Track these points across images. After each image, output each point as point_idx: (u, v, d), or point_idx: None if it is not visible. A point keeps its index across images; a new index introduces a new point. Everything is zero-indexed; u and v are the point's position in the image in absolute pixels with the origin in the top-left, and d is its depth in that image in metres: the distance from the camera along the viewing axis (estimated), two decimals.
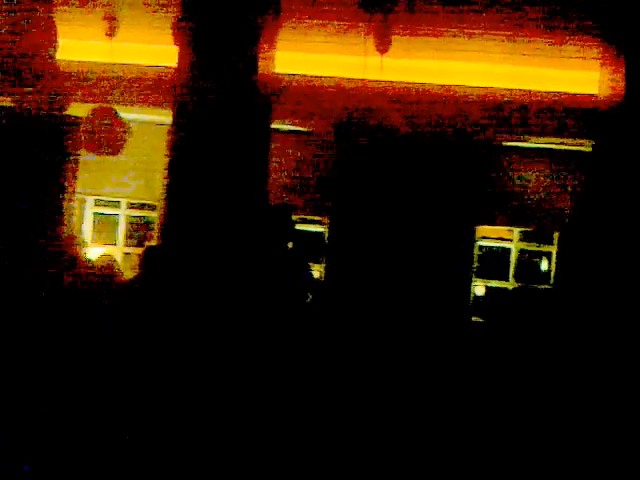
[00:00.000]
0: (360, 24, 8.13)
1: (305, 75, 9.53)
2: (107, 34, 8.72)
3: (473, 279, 10.27)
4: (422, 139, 9.74)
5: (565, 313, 6.04)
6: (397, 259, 9.67)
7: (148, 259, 6.80)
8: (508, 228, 10.67)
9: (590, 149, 7.10)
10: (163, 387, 5.78)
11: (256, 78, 6.99)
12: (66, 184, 9.98)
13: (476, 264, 10.31)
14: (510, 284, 10.51)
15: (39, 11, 7.60)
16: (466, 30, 8.29)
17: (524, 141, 10.04)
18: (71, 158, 9.95)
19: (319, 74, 9.58)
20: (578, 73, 8.90)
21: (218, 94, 6.87)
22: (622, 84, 6.51)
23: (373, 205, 9.84)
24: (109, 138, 8.49)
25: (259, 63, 7.02)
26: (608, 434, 5.51)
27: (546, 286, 10.03)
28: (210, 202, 6.85)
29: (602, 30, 6.98)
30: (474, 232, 10.26)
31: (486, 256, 10.55)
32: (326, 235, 10.44)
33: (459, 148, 9.81)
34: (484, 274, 10.46)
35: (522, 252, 10.68)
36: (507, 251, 10.69)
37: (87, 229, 11.30)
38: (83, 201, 11.12)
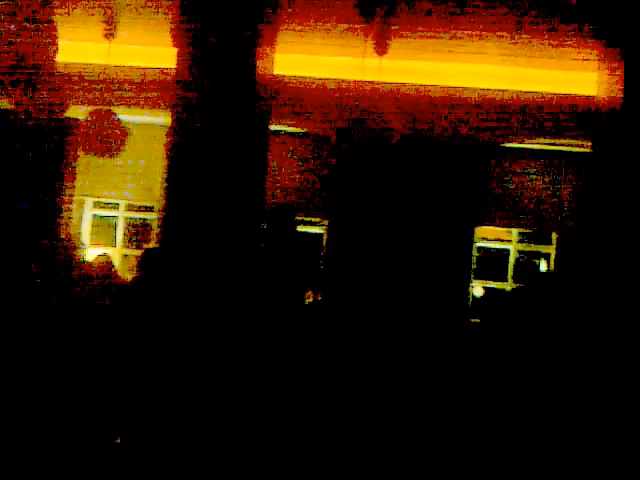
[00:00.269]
0: (359, 26, 8.14)
1: (304, 77, 9.52)
2: (106, 36, 8.72)
3: (472, 280, 10.26)
4: (421, 140, 9.74)
5: (563, 313, 6.04)
6: (396, 261, 9.66)
7: (146, 261, 6.80)
8: (507, 229, 10.68)
9: (589, 150, 7.10)
10: (162, 388, 5.78)
11: (255, 80, 6.99)
12: (65, 186, 9.99)
13: (474, 265, 10.30)
14: (508, 285, 10.51)
15: (39, 13, 7.59)
16: (464, 32, 8.30)
17: (523, 142, 10.04)
18: (70, 160, 9.95)
19: (318, 76, 9.58)
20: (576, 74, 8.90)
21: (217, 96, 6.87)
22: (620, 85, 6.51)
23: (372, 206, 9.84)
24: (108, 140, 8.49)
25: (258, 65, 7.02)
26: (607, 433, 5.52)
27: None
28: (208, 204, 6.85)
29: (600, 31, 6.98)
30: (473, 233, 10.25)
31: (484, 257, 10.55)
32: (324, 237, 10.43)
33: (457, 149, 9.81)
34: (483, 275, 10.46)
35: (521, 253, 10.69)
36: (506, 252, 10.70)
37: (86, 231, 11.29)
38: (82, 203, 11.11)
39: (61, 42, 7.86)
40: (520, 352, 5.91)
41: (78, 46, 9.16)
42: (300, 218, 9.86)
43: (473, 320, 9.55)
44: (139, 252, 7.40)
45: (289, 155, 10.37)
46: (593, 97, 7.08)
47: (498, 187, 10.31)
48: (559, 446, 5.47)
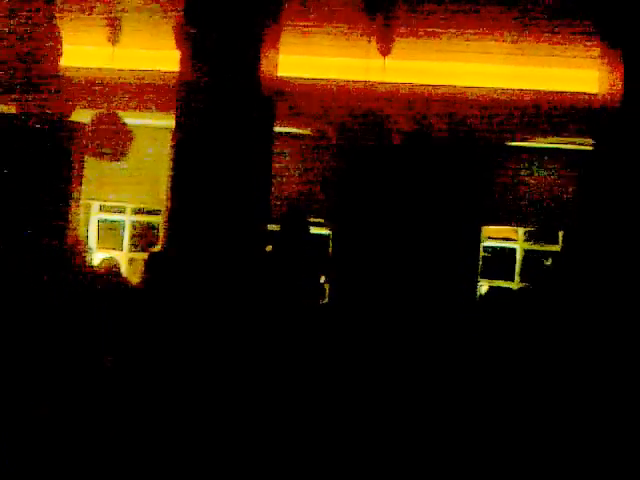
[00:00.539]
0: (362, 26, 8.15)
1: (307, 78, 9.53)
2: (110, 40, 8.73)
3: (479, 280, 10.26)
4: (426, 140, 9.74)
5: (570, 312, 6.04)
6: (402, 261, 9.66)
7: (153, 264, 6.81)
8: (513, 228, 10.67)
9: (591, 148, 7.11)
10: (165, 390, 5.78)
11: (258, 82, 7.00)
12: (71, 190, 10.00)
13: (481, 265, 10.30)
14: (515, 284, 10.50)
15: (43, 18, 7.61)
16: (467, 31, 8.30)
17: (528, 141, 10.04)
18: (75, 164, 9.97)
19: (322, 77, 9.59)
20: (578, 72, 8.90)
21: (221, 98, 6.88)
22: (621, 82, 6.51)
23: (378, 207, 9.84)
24: (113, 144, 8.50)
25: (261, 66, 7.03)
26: (608, 432, 5.51)
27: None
28: (214, 206, 6.86)
29: (601, 29, 6.98)
30: (479, 233, 10.25)
31: (491, 256, 10.55)
32: (331, 238, 10.43)
33: (462, 149, 9.81)
34: (489, 275, 10.45)
35: (527, 252, 10.68)
36: (512, 251, 10.69)
37: (92, 235, 11.31)
38: (88, 207, 11.14)
39: (65, 47, 7.88)
40: (526, 351, 5.91)
41: (82, 50, 9.20)
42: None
43: (480, 319, 9.54)
44: (146, 255, 7.41)
45: (294, 156, 10.38)
46: (595, 95, 7.08)
47: (503, 186, 10.30)
48: (561, 445, 5.47)
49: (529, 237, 10.69)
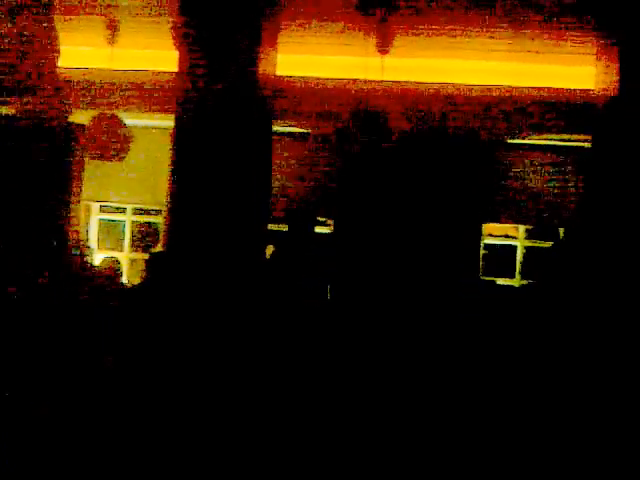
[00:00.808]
0: (361, 25, 8.14)
1: (306, 77, 9.53)
2: (108, 41, 8.74)
3: (480, 277, 10.24)
4: (425, 138, 9.74)
5: (571, 309, 6.03)
6: (403, 259, 9.66)
7: (154, 265, 6.81)
8: (513, 226, 10.67)
9: (589, 144, 7.11)
10: (167, 390, 5.78)
11: (257, 81, 7.00)
12: (70, 191, 10.00)
13: (482, 262, 10.29)
14: (516, 282, 10.50)
15: (40, 19, 7.61)
16: (464, 29, 8.29)
17: (527, 138, 10.03)
18: (75, 165, 9.96)
19: (320, 75, 9.59)
20: (577, 69, 8.90)
21: (220, 97, 6.88)
22: (618, 78, 6.51)
23: (379, 205, 9.84)
24: (112, 144, 8.51)
25: (260, 66, 7.03)
26: (614, 429, 5.51)
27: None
28: (214, 206, 6.86)
29: (597, 24, 6.98)
30: (480, 230, 10.25)
31: (492, 254, 10.54)
32: (332, 237, 10.43)
33: (461, 146, 9.80)
34: (490, 272, 10.44)
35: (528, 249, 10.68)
36: (513, 248, 10.69)
37: (93, 235, 11.31)
38: (88, 207, 11.14)
39: (63, 47, 7.87)
40: (529, 348, 5.91)
41: (80, 51, 9.20)
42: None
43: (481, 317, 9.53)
44: (147, 256, 7.42)
45: (293, 156, 10.38)
46: (593, 91, 7.08)
47: (503, 183, 10.30)
48: (569, 443, 5.47)
49: (530, 234, 10.68)
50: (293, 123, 9.82)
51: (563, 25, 7.78)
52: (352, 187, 9.98)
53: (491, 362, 6.02)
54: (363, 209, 9.90)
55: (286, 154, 10.05)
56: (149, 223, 11.40)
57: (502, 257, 10.64)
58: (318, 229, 10.47)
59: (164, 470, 5.39)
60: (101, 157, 8.64)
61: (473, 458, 5.54)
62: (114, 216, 11.42)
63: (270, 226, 7.50)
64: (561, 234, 10.41)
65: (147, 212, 11.34)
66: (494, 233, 10.65)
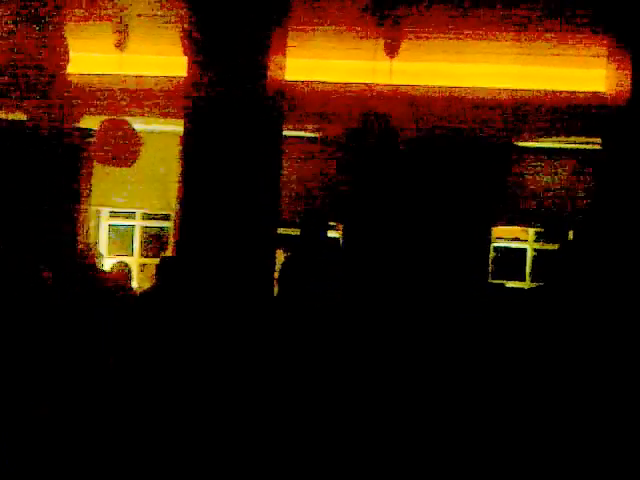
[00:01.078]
0: (369, 29, 8.15)
1: (315, 81, 9.54)
2: (117, 46, 8.76)
3: (489, 280, 10.23)
4: (434, 142, 9.74)
5: (579, 312, 6.03)
6: (413, 263, 9.65)
7: (164, 269, 6.82)
8: (523, 228, 10.65)
9: (599, 147, 7.10)
10: (175, 393, 5.79)
11: (266, 85, 7.01)
12: (80, 196, 10.04)
13: (491, 265, 10.28)
14: (526, 284, 10.48)
15: (50, 25, 7.64)
16: (474, 32, 8.29)
17: (536, 141, 10.02)
18: (85, 170, 10.00)
19: (329, 80, 9.59)
20: (587, 71, 8.88)
21: (229, 102, 6.89)
22: (630, 81, 6.50)
23: (388, 208, 9.84)
24: (122, 150, 8.52)
25: (269, 71, 7.03)
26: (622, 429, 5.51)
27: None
28: (224, 210, 6.87)
29: (608, 26, 6.97)
30: (490, 233, 10.24)
31: (501, 257, 10.53)
32: (341, 241, 10.43)
33: (471, 149, 9.80)
34: (500, 275, 10.42)
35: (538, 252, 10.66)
36: (523, 251, 10.67)
37: (103, 241, 11.33)
38: (98, 213, 11.16)
39: (73, 54, 7.91)
40: (538, 350, 5.91)
41: (90, 57, 9.23)
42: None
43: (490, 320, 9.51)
44: (157, 261, 7.43)
45: (302, 160, 10.38)
46: (603, 93, 7.07)
47: (513, 186, 10.29)
48: (578, 443, 5.47)
49: (539, 237, 10.66)
50: (302, 127, 9.83)
51: (574, 28, 7.78)
52: (361, 190, 9.97)
53: (501, 364, 6.02)
54: (373, 213, 9.90)
55: (295, 158, 10.06)
56: (158, 228, 11.42)
57: (512, 260, 10.62)
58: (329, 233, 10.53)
59: (167, 470, 5.40)
60: (111, 163, 8.65)
61: (482, 458, 5.55)
62: (124, 221, 11.44)
63: (280, 230, 7.51)
64: (570, 237, 10.40)
65: (157, 217, 11.36)
66: (504, 236, 10.64)
